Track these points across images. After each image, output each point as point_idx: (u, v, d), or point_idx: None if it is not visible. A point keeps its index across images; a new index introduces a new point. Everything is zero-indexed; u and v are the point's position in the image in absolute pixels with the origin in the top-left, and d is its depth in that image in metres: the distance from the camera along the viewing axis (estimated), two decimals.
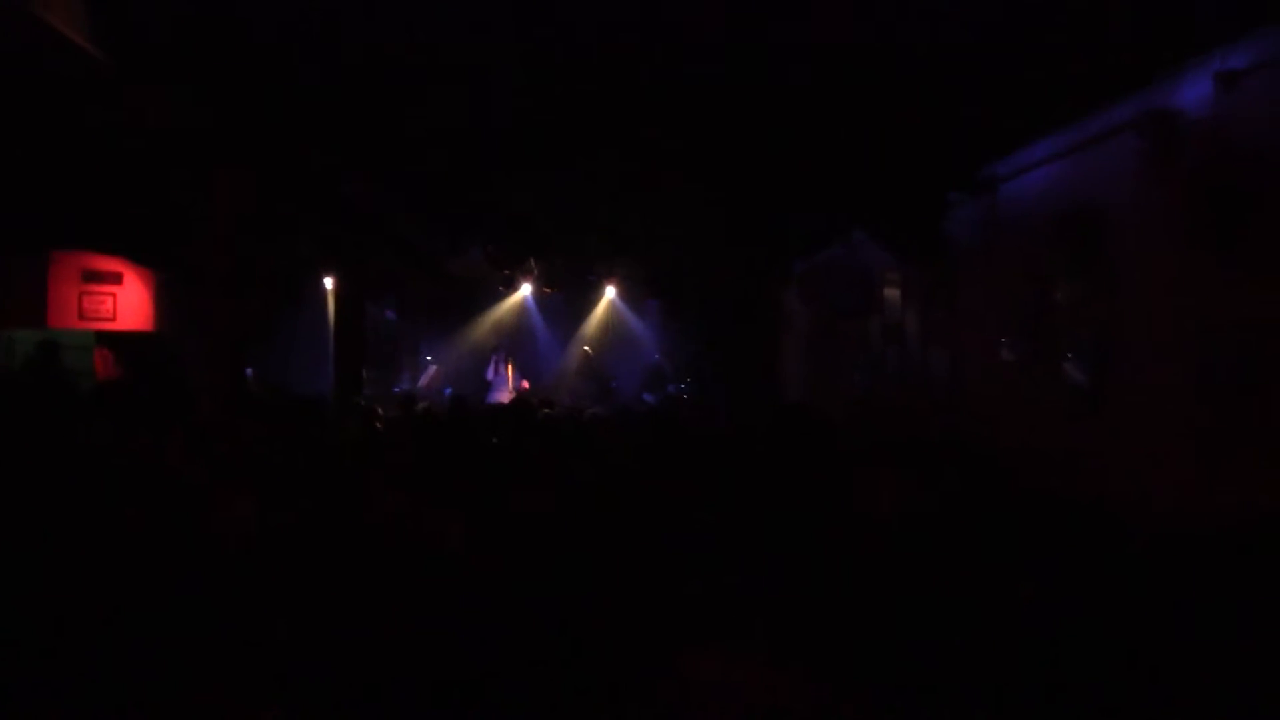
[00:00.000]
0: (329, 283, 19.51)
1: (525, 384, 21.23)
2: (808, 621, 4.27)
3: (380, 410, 11.98)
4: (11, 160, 10.66)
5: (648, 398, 20.47)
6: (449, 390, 20.87)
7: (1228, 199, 6.57)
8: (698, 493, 6.76)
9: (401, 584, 5.01)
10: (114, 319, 16.22)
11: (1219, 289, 6.66)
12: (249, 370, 14.74)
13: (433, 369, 22.40)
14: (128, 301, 16.40)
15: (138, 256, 16.13)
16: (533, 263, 19.17)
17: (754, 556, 5.25)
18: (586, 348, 22.86)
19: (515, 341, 22.61)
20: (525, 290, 22.62)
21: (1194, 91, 6.95)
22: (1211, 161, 6.75)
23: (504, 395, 19.75)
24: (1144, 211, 7.63)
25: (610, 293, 22.68)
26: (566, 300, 23.17)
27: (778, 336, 19.85)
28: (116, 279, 16.25)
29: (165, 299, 16.76)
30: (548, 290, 22.09)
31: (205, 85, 8.64)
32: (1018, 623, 4.31)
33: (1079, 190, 8.62)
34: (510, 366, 21.02)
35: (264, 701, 4.03)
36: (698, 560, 5.12)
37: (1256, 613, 4.10)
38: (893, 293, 13.16)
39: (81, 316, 15.92)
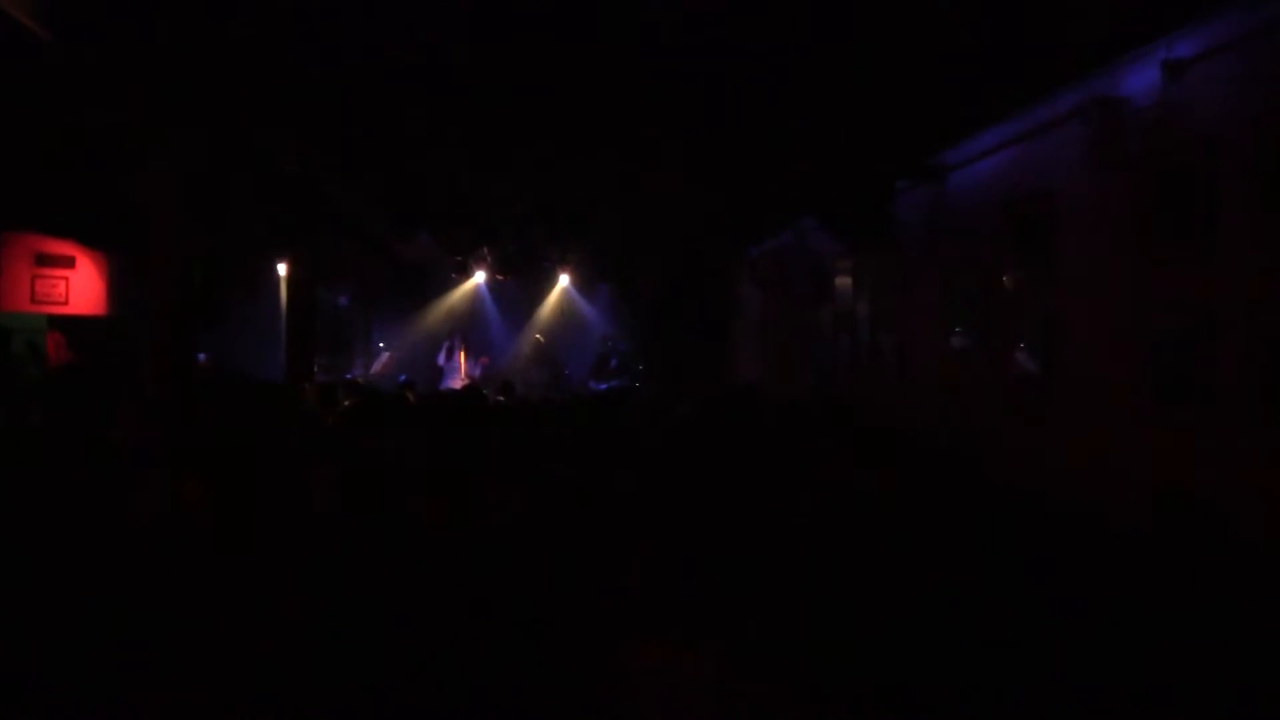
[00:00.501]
0: (282, 269, 19.37)
1: (485, 359, 20.96)
2: (760, 615, 4.29)
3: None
4: None
5: (596, 386, 20.37)
6: (402, 377, 20.76)
7: (1174, 186, 6.64)
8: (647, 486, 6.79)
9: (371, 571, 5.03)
10: (66, 303, 16.10)
11: (1165, 275, 6.73)
12: (201, 355, 14.64)
13: (385, 355, 22.27)
14: (80, 285, 16.28)
15: (90, 240, 16.01)
16: (485, 249, 19.07)
17: (706, 552, 5.26)
18: (539, 335, 22.80)
19: (469, 328, 22.49)
20: (479, 277, 22.51)
21: (1141, 79, 7.03)
22: (1158, 149, 6.82)
23: (456, 382, 19.66)
24: (1091, 199, 7.69)
25: (564, 280, 22.61)
26: (520, 287, 23.09)
27: (730, 323, 19.89)
28: (69, 263, 16.14)
29: (118, 283, 16.64)
30: (501, 277, 21.95)
31: (155, 67, 8.57)
32: (962, 616, 4.35)
33: (1027, 178, 8.69)
34: (463, 353, 20.85)
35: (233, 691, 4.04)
36: (651, 553, 5.14)
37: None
38: (843, 280, 13.21)
39: (34, 300, 15.80)
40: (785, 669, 3.71)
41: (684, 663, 3.70)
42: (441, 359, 20.79)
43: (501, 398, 13.57)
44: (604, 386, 20.04)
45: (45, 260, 15.95)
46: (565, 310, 23.40)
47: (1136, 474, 6.84)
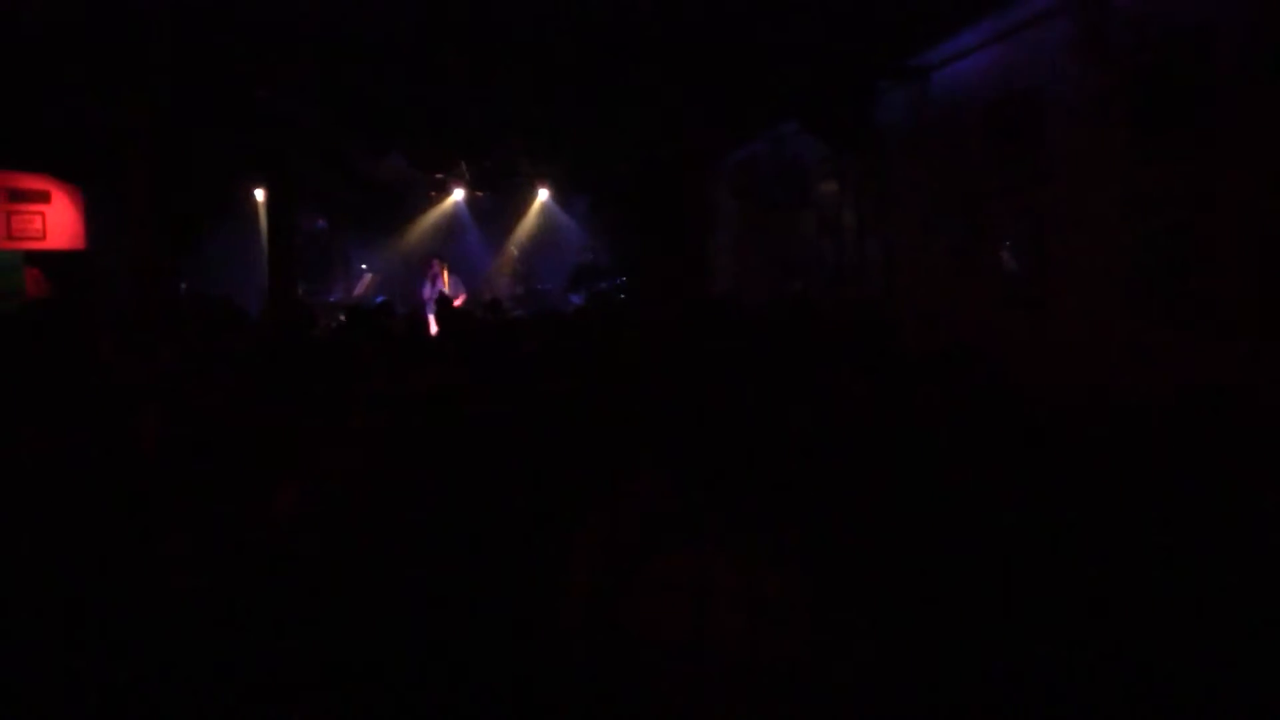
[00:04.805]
0: (260, 194, 19.24)
1: (460, 299, 20.17)
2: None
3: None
4: None
5: (574, 299, 20.17)
6: (380, 298, 20.60)
7: (1165, 78, 6.58)
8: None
9: None
10: (44, 238, 15.96)
11: (1153, 170, 6.70)
12: (183, 285, 14.58)
13: (366, 277, 22.15)
14: (57, 220, 16.13)
15: (65, 173, 15.85)
16: (463, 166, 18.86)
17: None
18: (513, 249, 22.70)
19: (448, 249, 22.28)
20: (457, 195, 22.29)
21: None
22: (1144, 44, 6.75)
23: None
24: (1077, 96, 7.63)
25: (543, 194, 22.44)
26: (499, 203, 22.91)
27: (708, 233, 19.74)
28: (44, 197, 15.97)
29: (96, 216, 16.50)
30: (479, 193, 21.73)
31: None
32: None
33: (1011, 76, 8.62)
34: (445, 276, 20.43)
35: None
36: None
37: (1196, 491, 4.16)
38: (827, 186, 13.13)
39: (10, 236, 15.66)
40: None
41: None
42: (426, 291, 20.26)
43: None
44: (578, 299, 19.83)
45: (19, 196, 15.79)
46: (546, 224, 23.24)
47: (1137, 369, 6.84)
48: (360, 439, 5.25)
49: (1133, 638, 3.51)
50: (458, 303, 19.13)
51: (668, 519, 4.13)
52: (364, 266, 22.89)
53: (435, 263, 20.44)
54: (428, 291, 20.07)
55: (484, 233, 23.72)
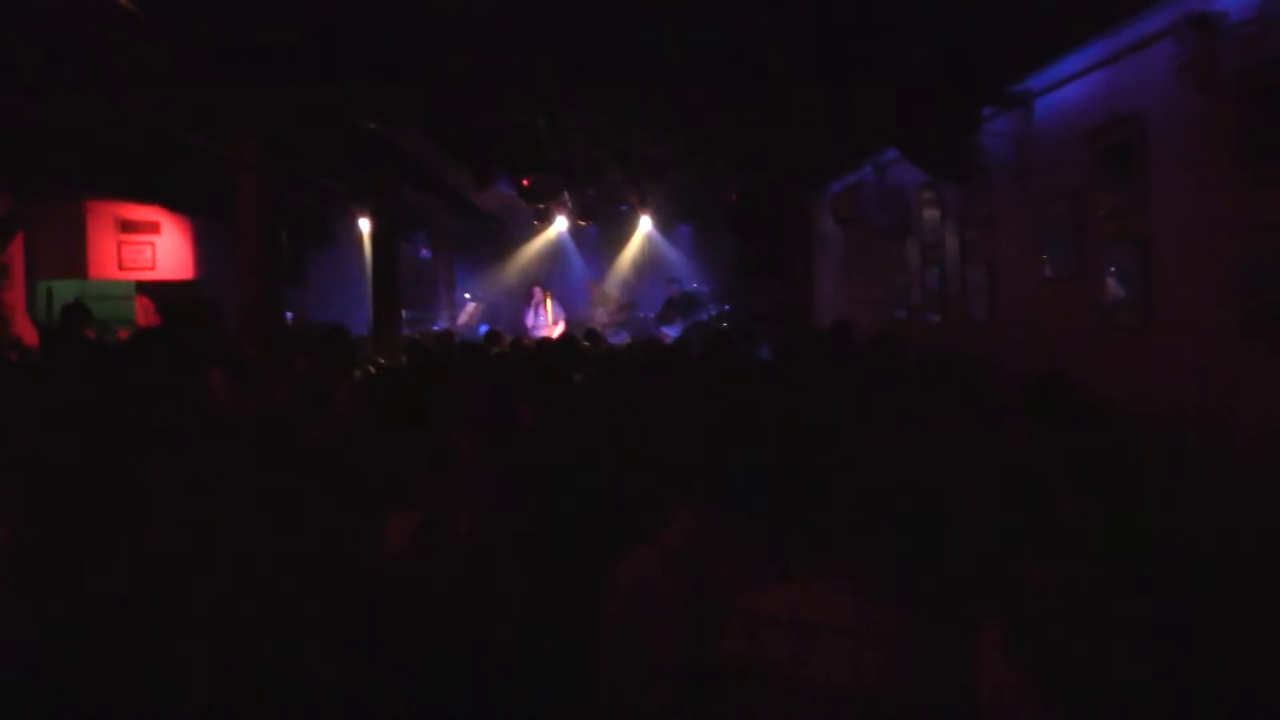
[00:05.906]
0: (364, 224, 19.52)
1: (560, 326, 20.21)
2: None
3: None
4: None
5: (668, 330, 19.85)
6: (483, 328, 20.75)
7: (1270, 104, 6.45)
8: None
9: None
10: (154, 268, 16.32)
11: (1263, 194, 6.55)
12: (288, 314, 14.80)
13: (470, 305, 22.35)
14: (167, 250, 16.49)
15: (175, 204, 16.19)
16: (566, 195, 18.96)
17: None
18: (593, 279, 22.84)
19: (551, 278, 22.44)
20: (560, 224, 22.40)
21: None
22: (1255, 66, 6.61)
23: (544, 333, 19.53)
24: (1184, 120, 7.49)
25: (646, 223, 22.46)
26: (602, 231, 23.00)
27: (812, 261, 19.67)
28: (154, 228, 16.33)
29: (205, 247, 16.83)
30: (582, 223, 21.82)
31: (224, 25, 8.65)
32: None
33: (1116, 101, 8.47)
34: (548, 304, 20.53)
35: None
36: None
37: None
38: (929, 212, 13.04)
39: (121, 267, 16.00)
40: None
41: None
42: (529, 319, 20.43)
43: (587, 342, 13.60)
44: (674, 331, 19.49)
45: (130, 226, 16.17)
46: (648, 253, 23.28)
47: (1242, 397, 6.69)
48: (467, 471, 5.26)
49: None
50: (557, 331, 19.24)
51: (712, 551, 4.10)
52: (467, 295, 23.10)
53: (537, 290, 20.69)
54: (530, 319, 20.27)
55: (587, 261, 23.84)
